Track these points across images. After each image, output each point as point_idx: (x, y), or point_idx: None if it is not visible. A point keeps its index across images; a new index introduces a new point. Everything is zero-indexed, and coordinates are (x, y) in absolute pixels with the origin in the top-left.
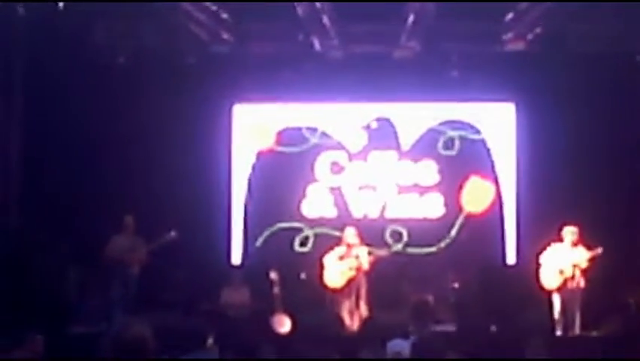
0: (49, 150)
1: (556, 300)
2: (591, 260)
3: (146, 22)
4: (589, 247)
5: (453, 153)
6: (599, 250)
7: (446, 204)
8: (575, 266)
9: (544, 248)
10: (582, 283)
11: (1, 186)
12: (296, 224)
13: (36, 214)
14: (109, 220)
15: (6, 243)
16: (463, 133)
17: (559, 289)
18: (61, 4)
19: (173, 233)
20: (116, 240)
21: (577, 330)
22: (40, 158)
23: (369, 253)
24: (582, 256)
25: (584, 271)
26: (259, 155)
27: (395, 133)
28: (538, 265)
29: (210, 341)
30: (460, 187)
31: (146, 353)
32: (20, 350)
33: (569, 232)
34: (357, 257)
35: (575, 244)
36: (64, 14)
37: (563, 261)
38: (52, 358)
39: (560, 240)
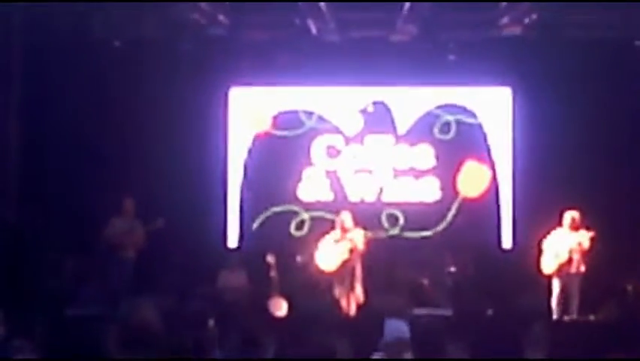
0: (47, 137)
1: (556, 285)
2: (589, 243)
3: (142, 7)
4: (586, 230)
5: (449, 137)
6: (591, 234)
7: (442, 188)
8: (573, 250)
9: (545, 234)
10: (582, 268)
11: (0, 174)
12: (292, 207)
13: (35, 201)
14: (106, 205)
15: (4, 231)
16: (459, 117)
17: (558, 274)
18: None
19: (160, 220)
20: (115, 222)
21: (574, 315)
22: (39, 145)
23: (364, 236)
24: (581, 240)
25: (583, 256)
26: (255, 138)
27: (391, 117)
28: (538, 250)
29: (211, 323)
30: (456, 171)
31: (153, 337)
32: (22, 337)
33: (570, 217)
34: (351, 240)
35: (575, 229)
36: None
37: (563, 245)
38: (52, 342)
39: (560, 225)
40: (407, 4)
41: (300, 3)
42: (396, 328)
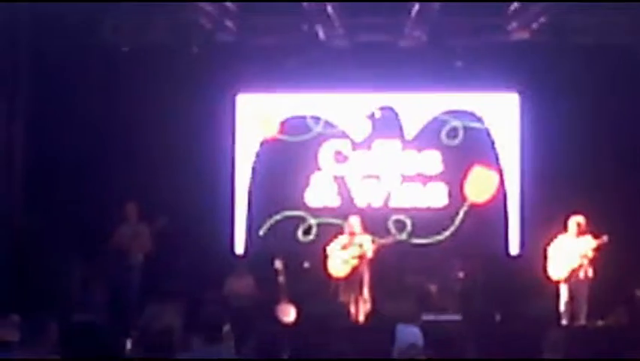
0: (53, 143)
1: (564, 290)
2: (597, 249)
3: (150, 13)
4: (595, 236)
5: (457, 142)
6: (605, 239)
7: (450, 194)
8: (582, 256)
9: (551, 239)
10: (590, 273)
11: (6, 179)
12: (299, 213)
13: (41, 206)
14: (113, 210)
15: (11, 237)
16: (466, 123)
17: (566, 280)
18: None
19: (163, 218)
20: (120, 229)
21: (582, 320)
22: (45, 150)
23: (373, 242)
24: (589, 246)
25: (591, 261)
26: (263, 144)
27: (399, 122)
28: (544, 256)
29: (227, 328)
30: (464, 177)
31: (173, 343)
32: (37, 342)
33: (575, 222)
34: (360, 246)
35: (581, 234)
36: (69, 5)
37: (570, 251)
38: (63, 348)
39: (566, 230)
40: (415, 9)
41: (307, 8)
42: (410, 334)
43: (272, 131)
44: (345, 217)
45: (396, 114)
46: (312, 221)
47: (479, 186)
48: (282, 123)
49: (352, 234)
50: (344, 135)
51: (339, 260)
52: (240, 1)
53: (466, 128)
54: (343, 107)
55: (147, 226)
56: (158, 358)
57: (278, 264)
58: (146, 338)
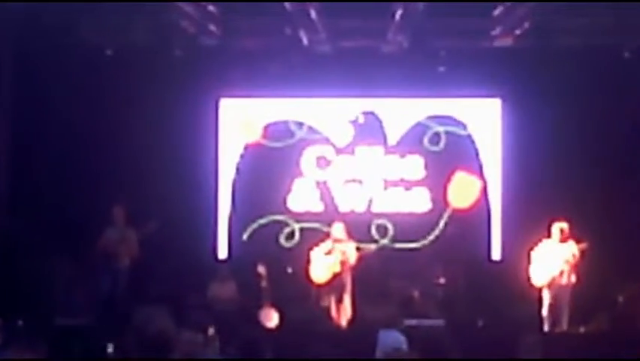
0: (38, 145)
1: (546, 296)
2: (580, 255)
3: (133, 16)
4: (578, 242)
5: (439, 148)
6: (585, 245)
7: (432, 199)
8: (564, 262)
9: (534, 244)
10: (573, 279)
11: None
12: (282, 218)
13: (24, 209)
14: (97, 213)
15: None
16: (449, 128)
17: (549, 285)
18: None
19: (152, 223)
20: (107, 232)
21: (564, 326)
22: (29, 153)
23: (358, 249)
24: (572, 252)
25: (574, 267)
26: (246, 149)
27: (382, 128)
28: (527, 261)
29: (212, 330)
30: (447, 182)
31: (170, 345)
32: (21, 345)
33: (558, 228)
34: (343, 252)
35: (564, 240)
36: (52, 7)
37: (553, 257)
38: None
39: (549, 235)
40: (399, 13)
41: (291, 12)
42: (393, 338)
43: (255, 136)
44: (329, 222)
45: (379, 119)
46: (295, 226)
47: (462, 191)
48: (265, 128)
49: (336, 240)
50: (327, 141)
51: (321, 266)
52: (222, 1)
53: (448, 134)
54: (326, 113)
55: (135, 231)
56: (153, 358)
57: (261, 269)
58: (141, 340)
